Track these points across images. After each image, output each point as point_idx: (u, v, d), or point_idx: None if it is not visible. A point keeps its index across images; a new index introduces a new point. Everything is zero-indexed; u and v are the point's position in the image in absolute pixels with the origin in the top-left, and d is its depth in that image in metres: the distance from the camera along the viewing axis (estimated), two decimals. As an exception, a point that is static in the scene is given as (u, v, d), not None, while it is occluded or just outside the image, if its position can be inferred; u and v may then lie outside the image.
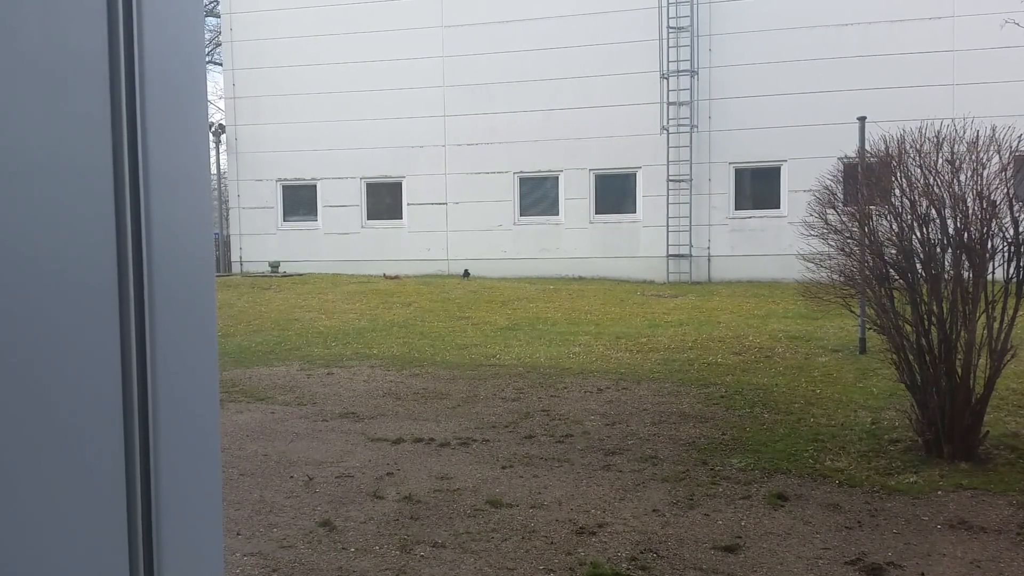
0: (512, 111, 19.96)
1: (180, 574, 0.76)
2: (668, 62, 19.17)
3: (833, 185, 7.02)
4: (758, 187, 19.34)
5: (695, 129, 19.09)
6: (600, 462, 5.83)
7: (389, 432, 6.68)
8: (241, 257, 21.96)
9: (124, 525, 0.70)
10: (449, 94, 20.47)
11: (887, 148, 6.41)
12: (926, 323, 5.79)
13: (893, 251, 6.11)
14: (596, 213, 20.01)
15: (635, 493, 5.20)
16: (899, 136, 6.26)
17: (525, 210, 20.51)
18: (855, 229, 6.52)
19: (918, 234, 5.94)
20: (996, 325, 5.67)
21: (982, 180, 5.76)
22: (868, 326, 7.43)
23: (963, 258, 5.77)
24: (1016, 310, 5.63)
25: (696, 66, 19.06)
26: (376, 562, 4.20)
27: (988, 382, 5.69)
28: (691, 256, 19.17)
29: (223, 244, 22.62)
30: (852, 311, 8.11)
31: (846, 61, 18.00)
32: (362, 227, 21.37)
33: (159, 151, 0.74)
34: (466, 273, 19.55)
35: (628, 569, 4.10)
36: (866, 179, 6.95)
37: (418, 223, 20.95)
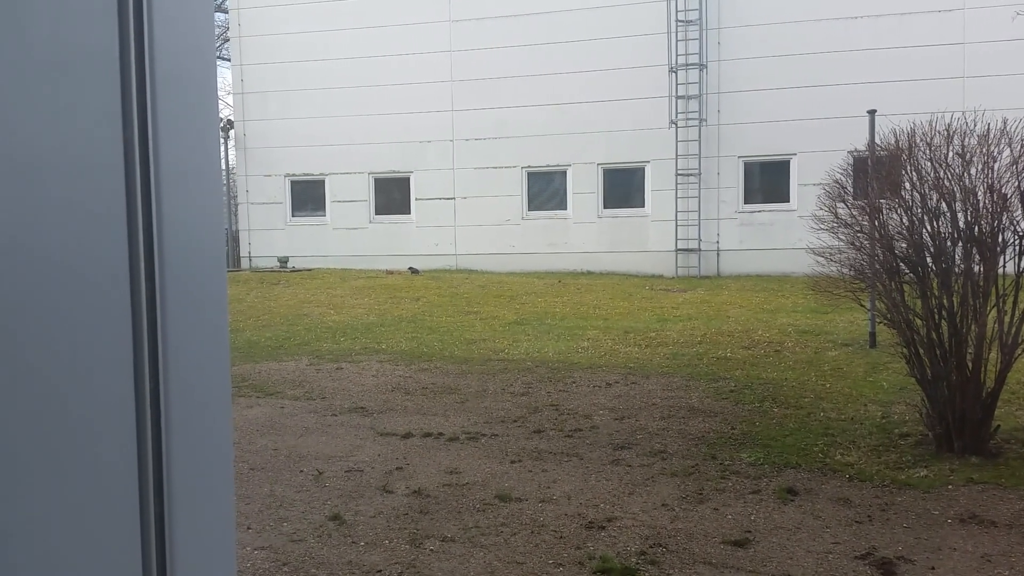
0: (520, 105, 19.94)
1: (193, 570, 0.76)
2: (676, 56, 19.11)
3: (843, 179, 6.99)
4: (767, 181, 19.27)
5: (704, 123, 19.03)
6: (609, 456, 5.83)
7: (398, 427, 6.69)
8: (250, 252, 22.01)
9: (136, 522, 0.71)
10: (457, 89, 20.45)
11: (897, 141, 6.37)
12: (936, 317, 5.77)
13: (903, 245, 6.08)
14: (604, 208, 19.98)
15: (644, 487, 5.20)
16: (909, 129, 6.23)
17: (533, 205, 20.49)
18: (865, 223, 6.49)
19: (928, 228, 5.91)
20: (1007, 319, 5.64)
21: (993, 173, 5.73)
22: (878, 320, 7.40)
23: (974, 252, 5.74)
24: (1027, 304, 5.60)
25: (705, 59, 19.00)
26: (386, 556, 4.21)
27: (999, 376, 5.66)
28: (700, 250, 19.13)
29: (232, 239, 22.68)
30: (862, 305, 8.08)
31: (856, 54, 17.91)
32: (370, 222, 21.40)
33: (170, 148, 0.74)
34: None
35: (637, 563, 4.10)
36: (876, 173, 6.91)
37: (426, 218, 20.96)
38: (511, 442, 6.22)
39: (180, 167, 0.75)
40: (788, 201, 18.77)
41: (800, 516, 4.70)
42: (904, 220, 6.04)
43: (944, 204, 5.84)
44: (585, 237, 19.96)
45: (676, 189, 19.16)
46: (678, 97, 19.15)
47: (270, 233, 21.88)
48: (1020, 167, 5.69)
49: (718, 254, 19.16)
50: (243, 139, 21.97)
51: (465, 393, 7.88)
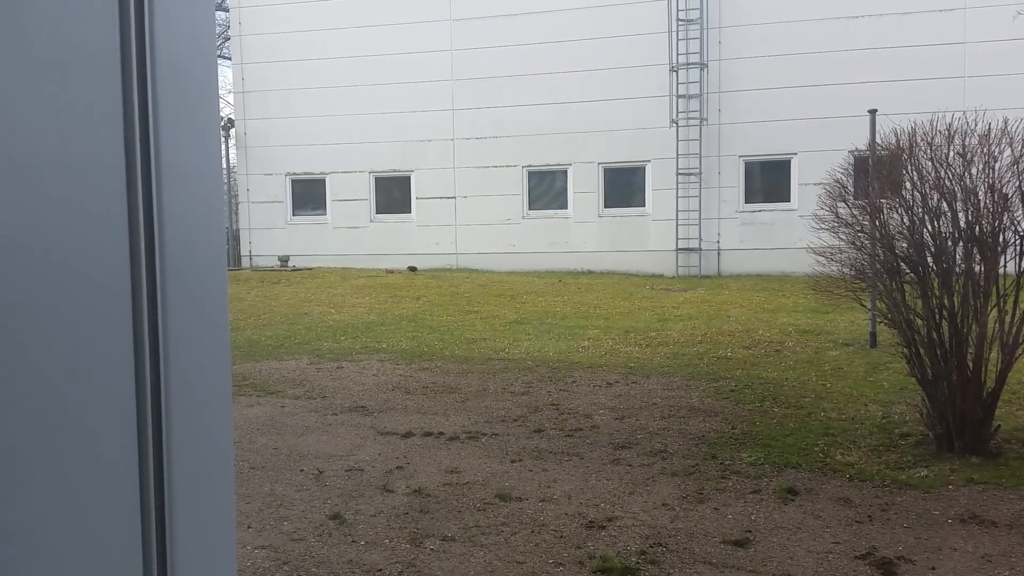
0: (521, 104, 19.93)
1: (193, 570, 0.76)
2: (677, 55, 19.10)
3: (844, 178, 6.98)
4: (768, 180, 19.27)
5: (705, 122, 19.02)
6: (609, 456, 5.83)
7: (398, 426, 6.69)
8: (251, 251, 22.02)
9: (137, 521, 0.71)
10: (457, 88, 20.45)
11: (898, 141, 6.37)
12: (937, 317, 5.76)
13: (904, 245, 6.08)
14: (605, 207, 19.98)
15: (645, 487, 5.20)
16: (910, 129, 6.23)
17: (534, 204, 20.49)
18: (866, 222, 6.49)
19: (929, 227, 5.90)
20: (1008, 319, 5.64)
21: (994, 173, 5.72)
22: (879, 320, 7.40)
23: (974, 252, 5.74)
24: (1028, 304, 5.60)
25: (705, 59, 18.99)
26: (386, 555, 4.21)
27: (999, 376, 5.66)
28: (701, 250, 19.12)
29: (232, 238, 22.68)
30: (863, 305, 8.07)
31: (856, 53, 17.90)
32: (371, 221, 21.40)
33: (171, 146, 0.74)
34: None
35: (638, 563, 4.10)
36: (877, 172, 6.91)
37: (427, 217, 20.96)
38: (511, 441, 6.22)
39: (181, 166, 0.75)
40: (789, 201, 18.76)
41: (800, 516, 4.70)
42: (905, 220, 6.04)
43: (945, 204, 5.83)
44: (586, 236, 19.96)
45: (677, 188, 19.16)
46: (679, 96, 19.15)
47: (271, 232, 21.88)
48: (1021, 167, 5.68)
49: (719, 253, 19.15)
50: (244, 138, 21.97)
51: (465, 392, 7.88)
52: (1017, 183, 5.69)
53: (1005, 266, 5.75)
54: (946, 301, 5.72)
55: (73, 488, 0.65)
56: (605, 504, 4.91)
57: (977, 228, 5.71)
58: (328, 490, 5.20)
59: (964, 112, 6.16)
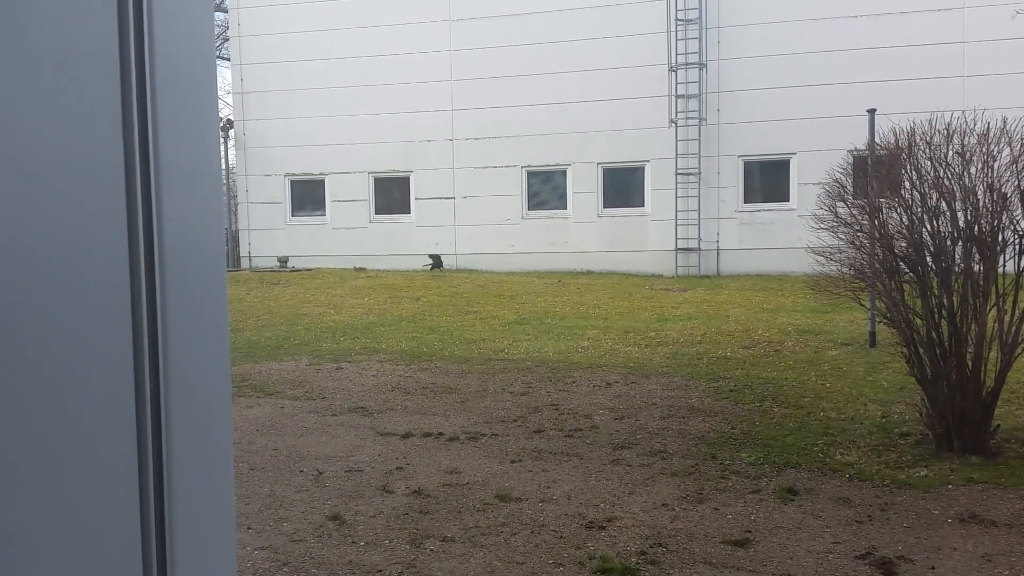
0: (520, 105, 19.94)
1: (193, 570, 0.76)
2: (676, 55, 19.11)
3: (843, 178, 6.99)
4: (767, 180, 19.28)
5: (704, 122, 19.03)
6: (609, 456, 5.83)
7: (398, 427, 6.69)
8: (250, 252, 22.01)
9: (137, 521, 0.71)
10: (457, 88, 20.45)
11: (897, 140, 6.37)
12: (936, 316, 5.77)
13: (903, 244, 6.08)
14: (604, 207, 19.98)
15: (644, 487, 5.20)
16: (909, 128, 6.23)
17: (533, 204, 20.50)
18: (865, 222, 6.49)
19: (928, 227, 5.91)
20: (1007, 318, 5.64)
21: (993, 172, 5.73)
22: (878, 320, 7.40)
23: (973, 251, 5.74)
24: (1027, 303, 5.60)
25: (704, 59, 19.00)
26: (386, 556, 4.21)
27: (999, 375, 5.66)
28: (700, 250, 19.12)
29: (231, 239, 22.67)
30: (862, 305, 8.08)
31: (855, 53, 17.91)
32: (370, 222, 21.40)
33: (170, 147, 0.74)
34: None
35: (638, 563, 4.10)
36: (876, 172, 6.91)
37: (426, 218, 20.96)
38: (511, 442, 6.22)
39: (180, 167, 0.75)
40: (788, 200, 18.77)
41: (800, 516, 4.70)
42: (904, 219, 6.04)
43: (944, 203, 5.83)
44: (585, 236, 19.96)
45: (676, 188, 19.16)
46: (678, 96, 19.15)
47: (270, 233, 21.88)
48: (1020, 166, 5.69)
49: (718, 253, 19.16)
50: (243, 139, 21.97)
51: (465, 393, 7.88)
52: (1016, 182, 5.69)
53: (1004, 265, 5.75)
54: (945, 300, 5.72)
55: (73, 488, 0.65)
56: (605, 504, 4.91)
57: (976, 227, 5.72)
58: (328, 491, 5.19)
59: (963, 111, 6.16)
